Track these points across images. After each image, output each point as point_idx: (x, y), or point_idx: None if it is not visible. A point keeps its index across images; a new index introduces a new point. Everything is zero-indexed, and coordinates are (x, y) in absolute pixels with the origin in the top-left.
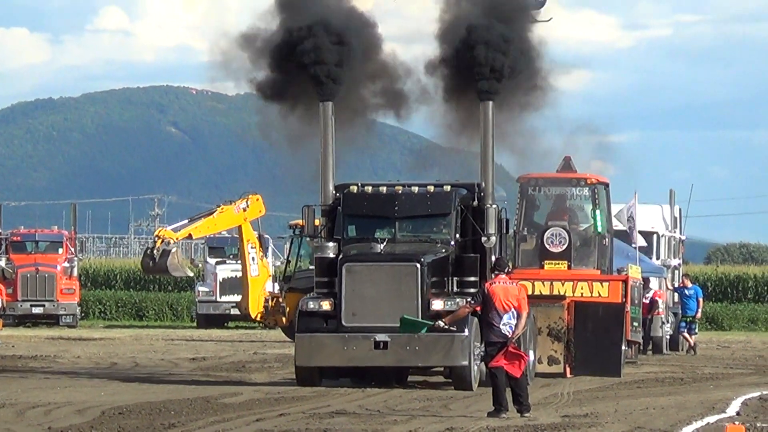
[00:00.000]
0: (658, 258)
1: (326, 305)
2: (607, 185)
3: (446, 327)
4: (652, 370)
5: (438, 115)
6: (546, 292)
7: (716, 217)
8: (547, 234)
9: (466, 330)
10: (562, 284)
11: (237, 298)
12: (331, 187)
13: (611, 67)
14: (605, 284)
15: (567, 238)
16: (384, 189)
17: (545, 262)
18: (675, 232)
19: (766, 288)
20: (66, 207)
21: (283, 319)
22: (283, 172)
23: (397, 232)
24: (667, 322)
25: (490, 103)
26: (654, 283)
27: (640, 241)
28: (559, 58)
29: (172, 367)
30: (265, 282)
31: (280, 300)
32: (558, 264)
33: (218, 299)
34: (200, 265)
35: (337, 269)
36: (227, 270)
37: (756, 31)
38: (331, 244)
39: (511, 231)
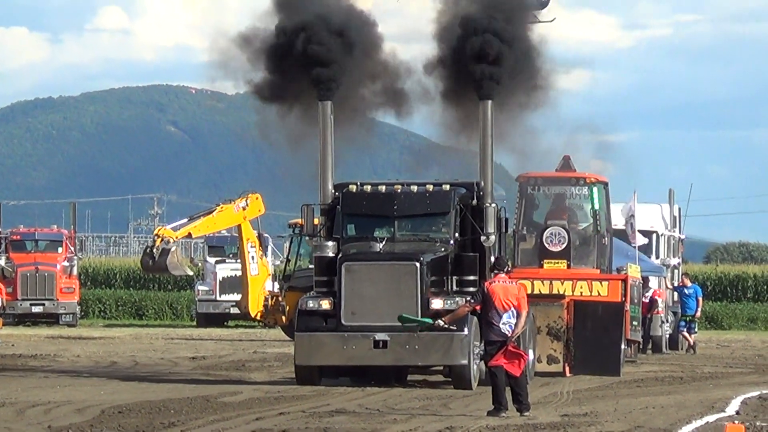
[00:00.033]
0: (657, 257)
1: (326, 304)
2: (606, 184)
3: (446, 326)
4: (651, 369)
5: (437, 114)
6: (545, 291)
7: (716, 216)
8: (546, 233)
9: (466, 329)
10: (562, 283)
11: (237, 297)
12: (330, 186)
13: (611, 66)
14: (604, 283)
15: (566, 237)
16: (383, 188)
17: (545, 261)
18: (674, 231)
19: (765, 287)
20: (66, 206)
21: (283, 318)
22: (283, 171)
23: (397, 231)
24: (667, 321)
25: (489, 102)
26: (653, 282)
27: (640, 240)
28: (559, 58)
29: (171, 366)
30: (265, 281)
31: (280, 299)
32: (557, 263)
33: (218, 298)
34: (200, 264)
35: (336, 268)
36: (227, 269)
37: (755, 31)
38: (330, 243)
39: (510, 230)
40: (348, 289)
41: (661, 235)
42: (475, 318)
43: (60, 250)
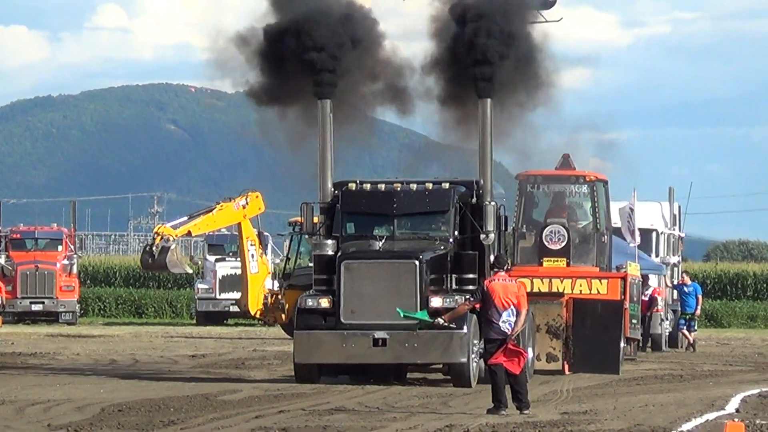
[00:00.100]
0: (657, 255)
1: (325, 302)
2: (605, 182)
3: (445, 324)
4: (651, 367)
5: (437, 112)
6: (545, 289)
7: (715, 214)
8: (546, 231)
9: (465, 327)
10: (561, 281)
11: (236, 295)
12: (329, 185)
13: (610, 64)
14: (604, 281)
15: (566, 235)
16: (382, 186)
17: (544, 259)
18: (674, 229)
19: (765, 285)
20: (65, 204)
21: (283, 316)
22: (283, 171)
23: (396, 229)
24: (667, 319)
25: (489, 100)
26: (653, 280)
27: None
28: (559, 56)
29: (171, 364)
30: (265, 279)
31: (280, 297)
32: (557, 261)
33: (218, 296)
34: (200, 263)
35: (335, 267)
36: (227, 267)
37: (755, 28)
38: (329, 241)
39: (510, 228)
40: (347, 287)
41: (661, 233)
42: (475, 316)
43: (60, 248)
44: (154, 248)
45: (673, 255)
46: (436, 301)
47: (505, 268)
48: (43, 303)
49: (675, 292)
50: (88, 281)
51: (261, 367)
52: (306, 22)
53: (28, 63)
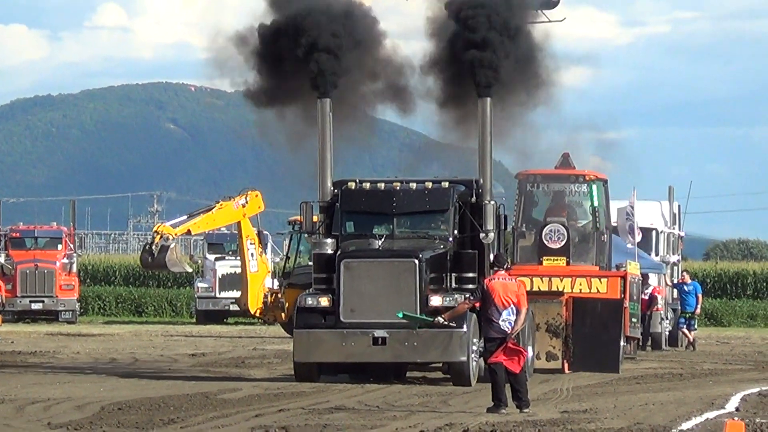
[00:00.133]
0: (657, 254)
1: (324, 301)
2: (605, 181)
3: (445, 323)
4: (651, 366)
5: (437, 113)
6: (544, 288)
7: (715, 213)
8: (545, 230)
9: (465, 326)
10: (561, 280)
11: (236, 294)
12: (329, 184)
13: (610, 63)
14: (604, 280)
15: (565, 234)
16: (382, 185)
17: (544, 258)
18: (674, 228)
19: (765, 284)
20: (65, 203)
21: (282, 315)
22: (283, 170)
23: (395, 228)
24: (667, 318)
25: (488, 99)
26: (653, 279)
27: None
28: (560, 55)
29: (171, 363)
30: (264, 278)
31: (280, 296)
32: (556, 260)
33: (217, 295)
34: (199, 261)
35: (335, 265)
36: (226, 266)
37: (754, 28)
38: (329, 240)
39: (509, 227)
40: (347, 286)
41: (661, 232)
42: (474, 315)
43: (59, 247)
44: (153, 247)
45: (673, 254)
46: (435, 300)
47: (505, 267)
48: (42, 302)
49: (675, 290)
50: (88, 280)
51: (261, 365)
52: (305, 21)
53: (28, 62)
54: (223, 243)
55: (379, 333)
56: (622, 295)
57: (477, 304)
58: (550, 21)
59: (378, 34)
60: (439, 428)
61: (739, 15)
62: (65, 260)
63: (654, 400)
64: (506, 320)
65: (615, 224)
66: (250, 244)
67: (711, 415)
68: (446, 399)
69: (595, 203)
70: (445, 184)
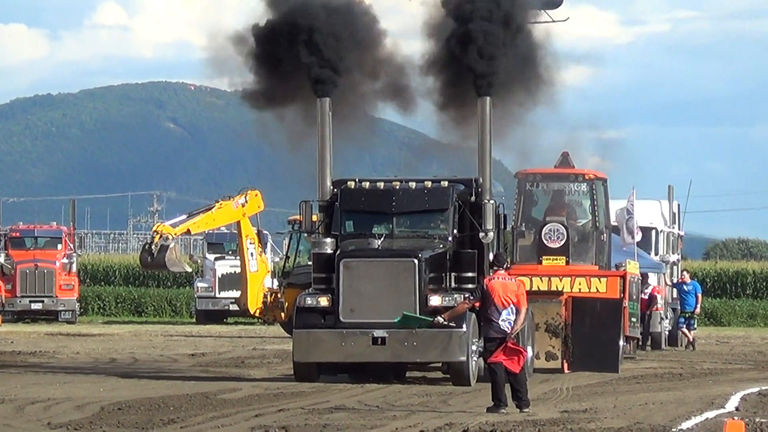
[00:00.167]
0: (656, 253)
1: (324, 301)
2: (605, 181)
3: (445, 323)
4: (651, 366)
5: (436, 114)
6: (544, 287)
7: (715, 212)
8: (545, 229)
9: (464, 325)
10: (560, 280)
11: (236, 293)
12: (328, 183)
13: (610, 63)
14: (603, 280)
15: (565, 233)
16: (381, 184)
17: (543, 257)
18: (674, 227)
19: (764, 283)
20: (65, 203)
21: (282, 314)
22: (283, 170)
23: (395, 227)
24: (666, 317)
25: (488, 98)
26: (653, 278)
27: (631, 240)
28: (559, 54)
29: (171, 363)
30: (264, 278)
31: (279, 296)
32: (556, 259)
33: (217, 295)
34: (199, 261)
35: (334, 265)
36: (226, 266)
37: (754, 27)
38: (328, 239)
39: (509, 226)
40: (346, 285)
41: (661, 231)
42: (474, 315)
43: (59, 247)
44: (153, 247)
45: (673, 253)
46: (435, 300)
47: (505, 266)
48: (42, 302)
49: (674, 290)
50: (88, 280)
51: (261, 365)
52: (304, 19)
53: (28, 61)
54: (222, 243)
55: (379, 333)
56: (622, 295)
57: (476, 304)
58: (553, 21)
59: (378, 32)
60: (439, 428)
61: (738, 14)
62: (65, 260)
63: (654, 400)
64: (506, 320)
65: (615, 223)
66: (250, 243)
67: (711, 414)
68: (446, 399)
69: (595, 202)
70: (445, 184)
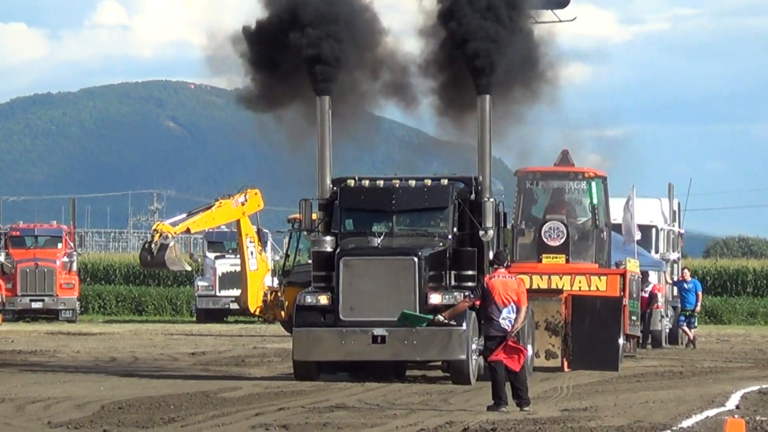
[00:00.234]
0: (657, 252)
1: (324, 299)
2: (605, 179)
3: (446, 321)
4: (651, 364)
5: (436, 114)
6: (544, 285)
7: (715, 210)
8: (545, 228)
9: (464, 324)
10: (560, 278)
11: (236, 292)
12: (328, 181)
13: (609, 61)
14: (603, 278)
15: (565, 231)
16: (381, 183)
17: (543, 255)
18: (674, 225)
19: (765, 282)
20: (65, 202)
21: (282, 313)
22: (283, 168)
23: (395, 225)
24: (667, 315)
25: (488, 96)
26: (653, 276)
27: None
28: (559, 53)
29: (171, 362)
30: (264, 276)
31: (279, 294)
32: (556, 258)
33: (217, 294)
34: (199, 260)
35: (334, 263)
36: (226, 264)
37: (754, 25)
38: (328, 238)
39: (509, 225)
40: (346, 284)
41: (661, 229)
42: (474, 313)
43: (59, 245)
44: (153, 245)
45: (673, 251)
46: (435, 298)
47: (505, 264)
48: (43, 300)
49: (675, 288)
50: (88, 279)
51: (261, 364)
52: (303, 16)
53: (28, 60)
54: (222, 241)
55: (379, 331)
56: (622, 293)
57: (477, 302)
58: (560, 21)
59: (378, 30)
60: (440, 426)
61: (738, 12)
62: (65, 259)
63: (654, 398)
64: (506, 318)
65: (616, 221)
66: (250, 242)
67: (711, 413)
68: (446, 397)
69: (595, 200)
70: (445, 182)
